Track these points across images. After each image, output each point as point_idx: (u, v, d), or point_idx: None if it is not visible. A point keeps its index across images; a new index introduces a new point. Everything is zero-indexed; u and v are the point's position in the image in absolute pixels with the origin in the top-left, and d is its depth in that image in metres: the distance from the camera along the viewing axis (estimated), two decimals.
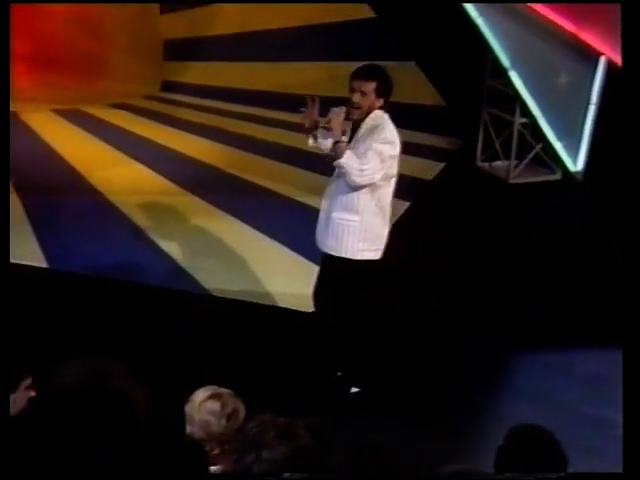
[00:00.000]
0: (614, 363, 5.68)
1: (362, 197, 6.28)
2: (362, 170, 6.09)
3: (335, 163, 6.15)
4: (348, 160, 6.06)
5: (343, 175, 6.16)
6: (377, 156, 6.11)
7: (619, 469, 3.85)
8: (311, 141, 6.41)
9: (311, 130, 6.35)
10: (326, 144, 6.28)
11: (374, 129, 6.25)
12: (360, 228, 6.31)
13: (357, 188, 6.21)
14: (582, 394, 6.50)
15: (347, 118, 6.29)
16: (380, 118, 6.31)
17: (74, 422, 3.05)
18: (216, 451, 4.10)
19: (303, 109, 6.34)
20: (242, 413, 4.22)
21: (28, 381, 3.84)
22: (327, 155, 6.27)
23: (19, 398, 3.83)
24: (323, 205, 6.50)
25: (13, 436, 3.32)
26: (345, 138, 6.21)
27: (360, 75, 6.39)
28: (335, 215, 6.34)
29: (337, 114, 6.18)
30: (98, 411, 3.05)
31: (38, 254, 8.04)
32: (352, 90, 6.34)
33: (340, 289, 6.41)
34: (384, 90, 6.34)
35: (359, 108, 6.26)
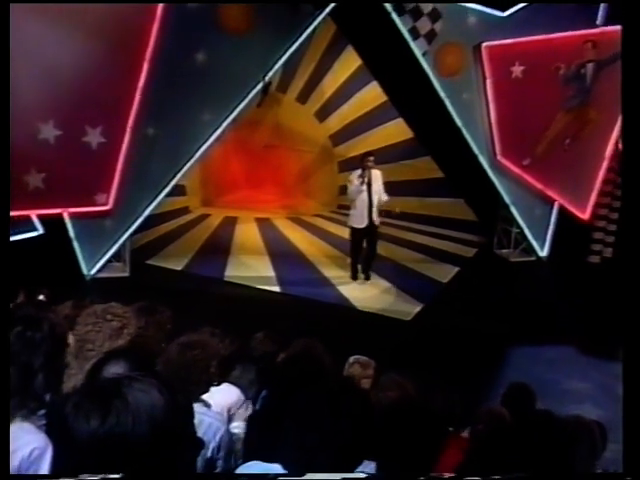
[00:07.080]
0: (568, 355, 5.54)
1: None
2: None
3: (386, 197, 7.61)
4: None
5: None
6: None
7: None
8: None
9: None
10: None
11: (377, 178, 7.52)
12: None
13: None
14: (551, 372, 6.28)
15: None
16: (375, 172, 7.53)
17: (297, 372, 2.94)
18: None
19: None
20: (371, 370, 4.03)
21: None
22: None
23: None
24: (364, 208, 7.60)
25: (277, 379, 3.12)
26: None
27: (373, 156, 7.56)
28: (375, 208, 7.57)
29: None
30: (309, 366, 2.99)
31: (275, 284, 8.15)
32: (366, 160, 7.45)
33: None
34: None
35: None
